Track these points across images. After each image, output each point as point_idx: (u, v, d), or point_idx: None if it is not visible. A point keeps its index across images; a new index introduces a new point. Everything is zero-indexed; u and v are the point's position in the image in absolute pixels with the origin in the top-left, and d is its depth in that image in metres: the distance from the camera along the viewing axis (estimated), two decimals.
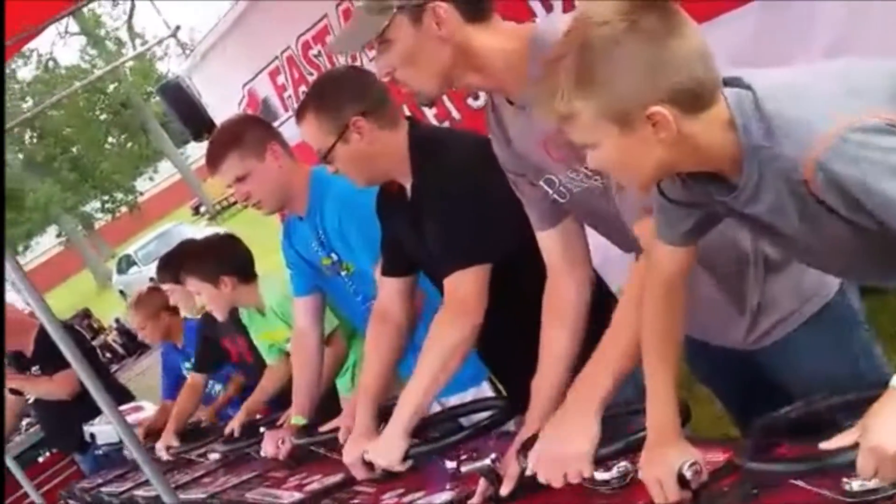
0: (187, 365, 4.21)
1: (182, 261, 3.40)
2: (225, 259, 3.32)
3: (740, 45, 2.93)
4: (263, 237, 3.73)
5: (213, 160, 2.70)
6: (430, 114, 4.23)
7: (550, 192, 1.87)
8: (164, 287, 3.90)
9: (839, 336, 1.83)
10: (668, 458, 1.52)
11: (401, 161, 2.27)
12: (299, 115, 2.30)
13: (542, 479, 1.71)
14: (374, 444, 2.21)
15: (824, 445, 1.26)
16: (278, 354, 3.40)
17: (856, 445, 1.20)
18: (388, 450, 2.14)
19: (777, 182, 1.32)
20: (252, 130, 2.72)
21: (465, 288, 2.13)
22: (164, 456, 3.69)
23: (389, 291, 2.45)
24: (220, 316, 3.42)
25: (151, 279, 4.77)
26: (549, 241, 1.97)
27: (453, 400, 2.64)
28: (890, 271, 1.49)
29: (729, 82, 1.35)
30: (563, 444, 1.71)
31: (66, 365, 3.30)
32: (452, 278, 2.15)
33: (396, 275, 2.44)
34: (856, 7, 2.70)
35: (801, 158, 1.26)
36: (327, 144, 2.24)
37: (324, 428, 2.60)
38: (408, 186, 2.31)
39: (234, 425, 3.26)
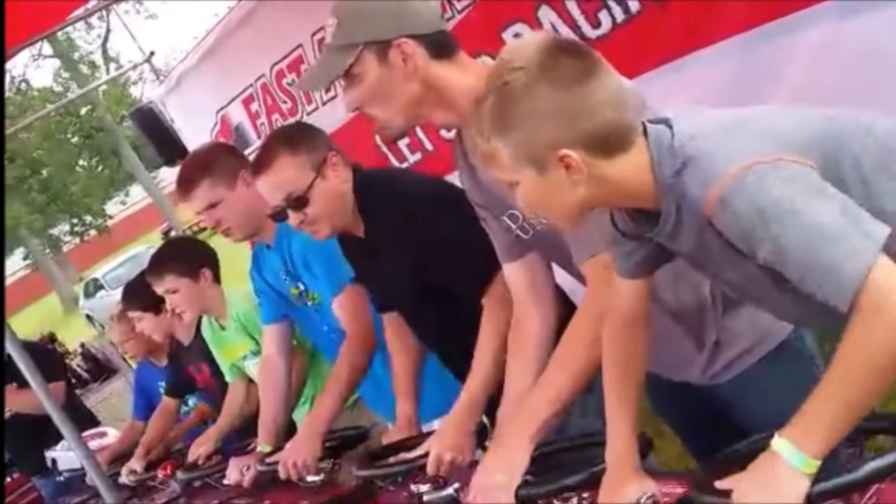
0: (164, 385, 4.18)
1: (158, 263, 3.25)
2: (201, 252, 3.29)
3: (711, 84, 3.00)
4: (233, 264, 3.72)
5: (185, 187, 2.72)
6: (402, 144, 4.26)
7: (514, 227, 1.91)
8: (133, 315, 3.79)
9: (793, 373, 1.85)
10: (625, 492, 1.54)
11: (351, 208, 2.31)
12: (263, 163, 2.27)
13: None
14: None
15: (720, 484, 1.31)
16: (239, 374, 3.39)
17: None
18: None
19: (690, 219, 1.36)
20: (224, 159, 2.74)
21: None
22: (124, 479, 3.65)
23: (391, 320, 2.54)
24: (190, 314, 3.29)
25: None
26: (513, 274, 2.00)
27: (422, 428, 2.65)
28: (807, 314, 1.49)
29: (657, 121, 1.40)
30: (487, 474, 1.76)
31: (47, 378, 3.29)
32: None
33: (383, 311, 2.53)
34: (823, 51, 2.77)
35: (704, 196, 1.30)
36: (306, 182, 2.22)
37: (271, 459, 2.64)
38: (359, 234, 2.34)
39: (199, 453, 3.24)
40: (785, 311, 1.56)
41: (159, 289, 3.22)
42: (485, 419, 2.56)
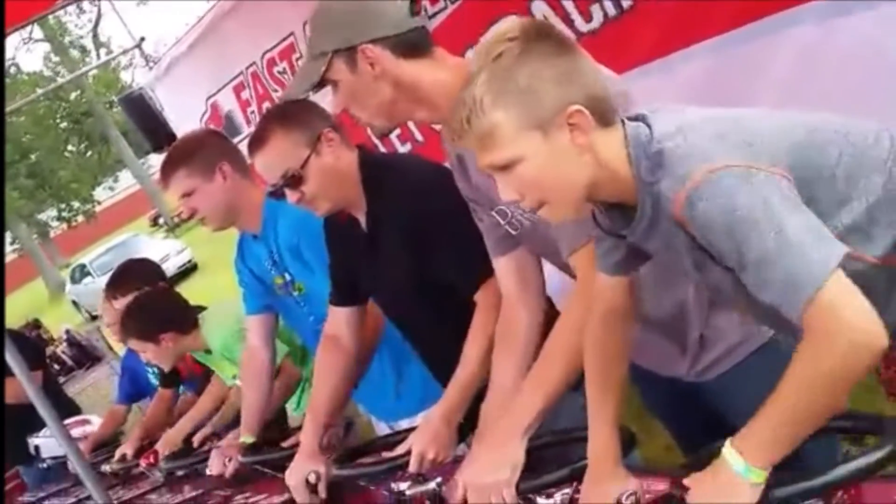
0: (154, 371, 4.15)
1: (123, 322, 3.34)
2: (161, 317, 3.28)
3: (700, 81, 2.99)
4: (221, 252, 3.70)
5: (164, 174, 2.71)
6: (392, 135, 4.25)
7: (503, 222, 1.90)
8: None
9: (779, 371, 1.85)
10: (606, 489, 1.54)
11: (355, 187, 2.26)
12: (259, 140, 2.23)
13: (471, 503, 1.74)
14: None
15: (686, 482, 1.33)
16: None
17: None
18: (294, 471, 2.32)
19: (663, 219, 1.35)
20: (205, 148, 2.69)
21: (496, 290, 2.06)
22: (106, 466, 3.64)
23: (339, 320, 2.46)
24: (166, 367, 3.41)
25: None
26: (503, 268, 2.00)
27: (404, 423, 2.65)
28: (774, 319, 1.48)
29: (634, 118, 1.40)
30: (485, 470, 1.75)
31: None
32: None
33: (346, 305, 2.45)
34: (814, 49, 2.76)
35: (674, 196, 1.30)
36: (300, 159, 2.17)
37: (285, 444, 2.62)
38: (359, 215, 2.29)
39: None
40: (755, 315, 1.55)
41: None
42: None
